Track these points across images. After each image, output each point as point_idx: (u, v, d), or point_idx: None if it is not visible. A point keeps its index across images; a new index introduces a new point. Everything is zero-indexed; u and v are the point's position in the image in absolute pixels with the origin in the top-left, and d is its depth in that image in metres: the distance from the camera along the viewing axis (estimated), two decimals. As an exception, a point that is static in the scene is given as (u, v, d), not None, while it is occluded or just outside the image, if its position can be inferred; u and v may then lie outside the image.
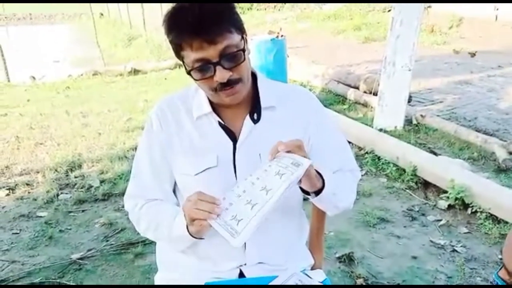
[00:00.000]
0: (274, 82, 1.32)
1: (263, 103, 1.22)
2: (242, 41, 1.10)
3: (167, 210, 1.19)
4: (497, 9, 10.82)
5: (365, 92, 5.62)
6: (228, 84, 1.10)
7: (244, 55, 1.10)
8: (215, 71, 1.07)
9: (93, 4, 10.50)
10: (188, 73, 1.11)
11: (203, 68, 1.08)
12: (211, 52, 1.05)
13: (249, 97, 1.23)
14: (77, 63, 9.74)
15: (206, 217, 1.01)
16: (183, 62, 1.12)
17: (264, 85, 1.25)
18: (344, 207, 1.25)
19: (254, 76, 1.25)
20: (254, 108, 1.22)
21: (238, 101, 1.16)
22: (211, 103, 1.21)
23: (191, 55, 1.06)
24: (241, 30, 1.11)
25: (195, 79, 1.11)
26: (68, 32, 16.74)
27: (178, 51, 1.11)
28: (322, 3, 15.87)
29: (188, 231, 1.10)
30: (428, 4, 11.34)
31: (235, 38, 1.08)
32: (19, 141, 4.59)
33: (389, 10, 11.46)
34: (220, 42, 1.04)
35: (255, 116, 1.21)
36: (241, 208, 1.01)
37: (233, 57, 1.08)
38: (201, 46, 1.04)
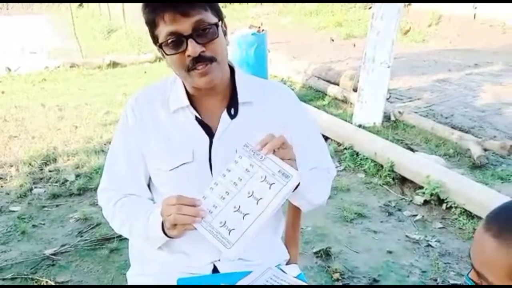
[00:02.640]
0: (252, 77, 1.31)
1: (241, 98, 1.21)
2: (218, 23, 1.09)
3: (141, 209, 1.16)
4: (476, 8, 11.01)
5: (344, 88, 5.65)
6: (200, 61, 1.07)
7: (217, 32, 1.09)
8: (187, 45, 1.05)
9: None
10: (160, 47, 1.09)
11: (175, 42, 1.06)
12: (184, 26, 1.04)
13: (226, 91, 1.21)
14: (54, 54, 9.53)
15: (191, 221, 1.00)
16: (157, 42, 1.10)
17: (242, 80, 1.23)
18: (317, 204, 1.26)
19: (232, 70, 1.23)
20: (231, 103, 1.20)
21: (212, 85, 1.13)
22: (188, 97, 1.19)
23: (164, 30, 1.05)
24: (217, 14, 1.10)
25: (167, 54, 1.09)
26: (45, 22, 16.35)
27: (152, 30, 1.09)
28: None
29: (164, 232, 1.08)
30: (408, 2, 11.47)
31: (210, 16, 1.07)
32: (-8, 134, 4.47)
33: (370, 8, 11.55)
34: (193, 15, 1.04)
35: (232, 111, 1.20)
36: (229, 215, 1.00)
37: (206, 32, 1.07)
38: (174, 18, 1.03)
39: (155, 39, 1.10)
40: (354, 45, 9.49)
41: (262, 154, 1.02)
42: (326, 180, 1.29)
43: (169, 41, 1.06)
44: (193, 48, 1.05)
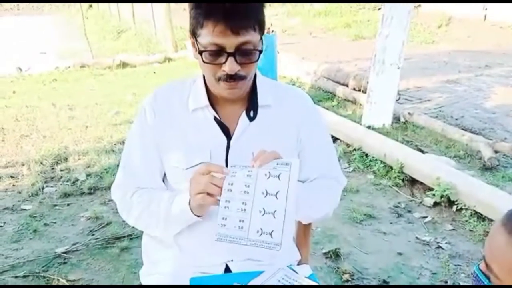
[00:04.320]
0: (272, 81, 1.33)
1: (260, 101, 1.22)
2: (260, 43, 1.10)
3: (163, 195, 1.18)
4: (486, 9, 10.93)
5: (354, 89, 5.64)
6: (233, 78, 1.09)
7: (258, 56, 1.10)
8: (226, 60, 1.06)
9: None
10: (200, 53, 1.08)
11: (216, 54, 1.06)
12: (230, 42, 1.04)
13: (247, 94, 1.22)
14: (65, 55, 9.62)
15: (218, 193, 1.02)
16: (196, 40, 1.09)
17: (262, 84, 1.25)
18: (319, 218, 1.28)
19: (254, 75, 1.25)
20: (251, 105, 1.21)
21: (235, 97, 1.16)
22: (208, 97, 1.20)
23: (209, 37, 1.04)
24: (262, 32, 1.11)
25: (203, 61, 1.09)
26: (56, 23, 16.49)
27: (196, 28, 1.07)
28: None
29: (190, 207, 1.09)
30: (417, 3, 11.42)
31: (256, 37, 1.07)
32: (4, 133, 4.52)
33: (379, 9, 11.50)
34: (242, 35, 1.04)
35: (252, 114, 1.21)
36: (260, 222, 1.00)
37: (248, 54, 1.07)
38: (223, 32, 1.03)
39: (194, 34, 1.09)
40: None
41: (254, 168, 1.04)
42: (334, 191, 1.29)
43: (210, 50, 1.06)
44: (231, 66, 1.06)
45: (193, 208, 1.09)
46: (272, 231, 0.99)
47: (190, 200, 1.09)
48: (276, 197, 1.00)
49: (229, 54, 1.05)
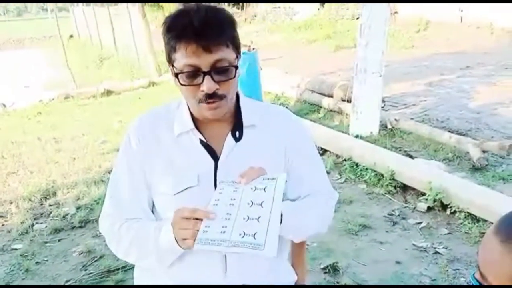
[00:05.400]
0: (255, 101, 1.32)
1: (245, 121, 1.21)
2: (236, 60, 1.10)
3: (150, 227, 1.15)
4: (462, 11, 11.15)
5: (342, 100, 5.68)
6: (212, 97, 1.08)
7: (235, 72, 1.09)
8: (203, 80, 1.06)
9: (61, 26, 10.33)
10: (176, 76, 1.08)
11: (192, 75, 1.06)
12: (204, 61, 1.04)
13: (231, 115, 1.21)
14: (48, 87, 9.57)
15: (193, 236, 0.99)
16: (173, 66, 1.09)
17: (246, 104, 1.25)
18: (311, 236, 1.28)
19: (237, 95, 1.24)
20: (236, 126, 1.21)
21: (218, 117, 1.14)
22: (193, 120, 1.19)
23: (183, 59, 1.04)
24: (237, 49, 1.11)
25: (181, 84, 1.09)
26: (37, 56, 16.46)
27: (170, 52, 1.08)
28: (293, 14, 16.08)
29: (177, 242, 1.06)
30: (394, 10, 11.61)
31: (231, 54, 1.07)
32: (-10, 171, 4.45)
33: (357, 18, 11.67)
34: (215, 52, 1.03)
35: (237, 134, 1.20)
36: (243, 226, 0.98)
37: (224, 71, 1.07)
38: (195, 52, 1.03)
39: (170, 59, 1.10)
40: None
41: (241, 185, 1.04)
42: (327, 208, 1.28)
43: (186, 72, 1.06)
44: (208, 85, 1.05)
45: (181, 246, 1.06)
46: (255, 233, 0.96)
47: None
48: (261, 206, 0.99)
49: (205, 73, 1.05)
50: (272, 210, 0.99)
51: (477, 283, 0.82)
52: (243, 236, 0.97)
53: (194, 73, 1.06)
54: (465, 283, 2.36)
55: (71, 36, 19.19)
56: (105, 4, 12.82)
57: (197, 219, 1.01)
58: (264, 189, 1.02)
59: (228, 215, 1.00)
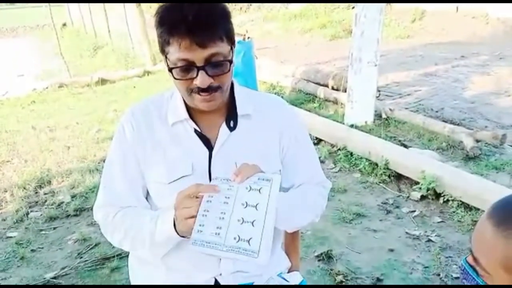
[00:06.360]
0: (250, 90, 1.33)
1: (240, 110, 1.21)
2: (230, 52, 1.09)
3: (146, 215, 1.14)
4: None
5: (333, 88, 5.68)
6: (207, 90, 1.08)
7: (229, 66, 1.09)
8: (197, 74, 1.05)
9: (55, 15, 10.20)
10: (170, 70, 1.07)
11: (186, 69, 1.05)
12: (198, 55, 1.03)
13: (226, 104, 1.21)
14: (42, 76, 9.48)
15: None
16: (166, 58, 1.08)
17: (241, 93, 1.25)
18: (304, 226, 1.29)
19: (231, 85, 1.24)
20: (231, 115, 1.21)
21: (212, 108, 1.14)
22: (187, 109, 1.19)
23: (176, 53, 1.03)
24: (231, 41, 1.09)
25: (174, 78, 1.08)
26: (31, 44, 16.29)
27: (164, 46, 1.07)
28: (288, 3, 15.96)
29: (175, 230, 1.06)
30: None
31: (225, 47, 1.06)
32: (-16, 160, 4.43)
33: (353, 7, 11.63)
34: (209, 47, 1.02)
35: (232, 124, 1.20)
36: (238, 229, 0.99)
37: (219, 66, 1.06)
38: (189, 47, 1.01)
39: (163, 51, 1.08)
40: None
41: (235, 183, 1.04)
42: (320, 197, 1.29)
43: (180, 66, 1.05)
44: (203, 79, 1.05)
45: (180, 230, 1.05)
46: (250, 239, 0.97)
47: (174, 221, 1.06)
48: (256, 209, 1.00)
49: (199, 68, 1.04)
50: (266, 214, 1.00)
51: (468, 267, 0.84)
52: (238, 241, 0.98)
53: (188, 68, 1.05)
54: (457, 270, 2.40)
55: (65, 24, 18.95)
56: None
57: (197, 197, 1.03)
58: (259, 190, 1.02)
59: (222, 214, 1.01)
